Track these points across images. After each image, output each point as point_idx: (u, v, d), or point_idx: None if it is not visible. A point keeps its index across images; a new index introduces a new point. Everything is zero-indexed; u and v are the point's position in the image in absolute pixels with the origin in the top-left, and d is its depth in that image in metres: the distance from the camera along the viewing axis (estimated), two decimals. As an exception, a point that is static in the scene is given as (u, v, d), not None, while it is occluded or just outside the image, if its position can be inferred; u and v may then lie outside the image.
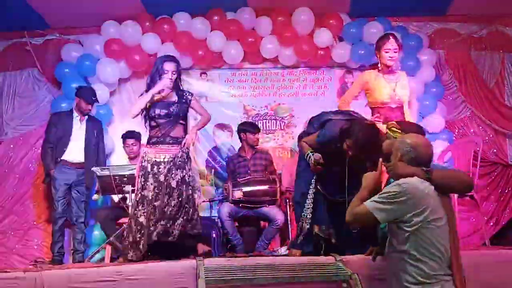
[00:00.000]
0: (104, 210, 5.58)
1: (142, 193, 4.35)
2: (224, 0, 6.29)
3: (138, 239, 4.27)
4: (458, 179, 2.87)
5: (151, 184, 4.35)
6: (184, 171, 4.46)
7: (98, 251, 5.28)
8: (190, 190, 4.48)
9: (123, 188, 4.98)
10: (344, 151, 3.85)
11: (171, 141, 4.47)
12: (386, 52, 4.58)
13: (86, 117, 5.52)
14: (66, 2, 5.89)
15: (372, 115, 4.63)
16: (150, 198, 4.33)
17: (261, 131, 6.07)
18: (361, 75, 4.86)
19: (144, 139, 5.41)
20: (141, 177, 4.39)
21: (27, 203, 6.12)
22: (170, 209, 4.32)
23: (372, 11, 6.45)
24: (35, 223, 6.10)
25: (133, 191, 4.88)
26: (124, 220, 5.08)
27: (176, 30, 6.31)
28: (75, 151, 5.40)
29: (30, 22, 6.27)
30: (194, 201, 4.55)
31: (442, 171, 2.92)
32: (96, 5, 6.00)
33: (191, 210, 4.44)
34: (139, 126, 5.04)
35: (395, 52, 4.58)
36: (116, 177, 4.98)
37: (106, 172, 5.03)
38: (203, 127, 4.87)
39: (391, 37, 4.60)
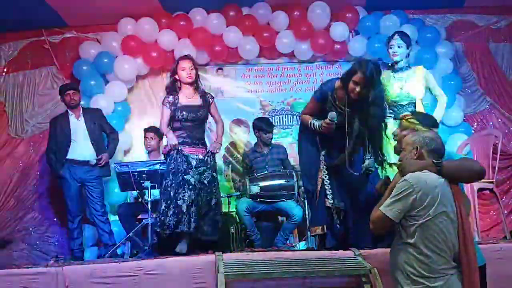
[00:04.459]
0: (124, 206, 5.63)
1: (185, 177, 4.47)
2: (240, -5, 6.31)
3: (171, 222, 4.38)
4: (468, 169, 2.82)
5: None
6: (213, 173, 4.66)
7: (118, 247, 5.32)
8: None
9: (142, 184, 5.01)
10: (343, 103, 3.94)
11: (197, 142, 4.64)
12: (390, 48, 4.77)
13: (81, 111, 5.55)
14: (84, 0, 5.93)
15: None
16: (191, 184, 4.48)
17: (274, 128, 6.01)
18: None
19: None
20: (173, 169, 4.50)
21: (47, 200, 6.19)
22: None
23: (388, 3, 6.42)
24: (55, 219, 6.17)
25: (152, 187, 4.92)
26: (144, 216, 5.14)
27: (192, 26, 6.32)
28: (78, 149, 5.44)
29: (48, 21, 6.33)
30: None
31: (452, 161, 2.90)
32: (113, 3, 6.05)
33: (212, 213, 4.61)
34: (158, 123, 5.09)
35: (399, 47, 4.71)
36: (135, 173, 5.02)
37: (125, 169, 5.06)
38: (223, 133, 5.00)
39: (396, 34, 4.79)
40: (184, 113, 4.57)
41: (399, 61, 4.74)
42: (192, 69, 4.64)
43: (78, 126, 5.48)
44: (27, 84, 6.42)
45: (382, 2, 6.39)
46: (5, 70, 6.46)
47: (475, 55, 6.53)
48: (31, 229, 6.10)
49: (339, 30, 6.30)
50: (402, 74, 4.73)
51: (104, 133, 5.65)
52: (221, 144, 4.87)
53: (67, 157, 5.40)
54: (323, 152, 4.24)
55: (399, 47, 4.70)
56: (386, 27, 6.26)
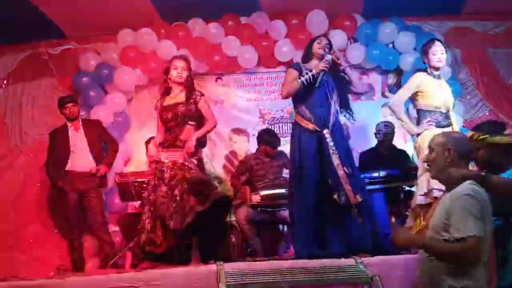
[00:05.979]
0: (125, 216, 5.62)
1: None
2: (238, 5, 6.31)
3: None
4: None
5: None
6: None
7: (119, 257, 5.30)
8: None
9: (143, 194, 4.99)
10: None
11: (180, 144, 4.32)
12: (433, 55, 4.63)
13: (81, 123, 5.56)
14: (82, 11, 5.95)
15: (420, 119, 4.63)
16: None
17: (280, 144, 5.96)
18: (414, 77, 4.76)
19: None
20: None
21: (48, 211, 6.16)
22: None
23: (386, 11, 6.43)
24: (56, 231, 6.16)
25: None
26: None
27: (191, 36, 6.35)
28: (78, 160, 5.44)
29: (47, 33, 6.36)
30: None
31: (500, 178, 2.74)
32: (112, 14, 6.08)
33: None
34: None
35: (442, 54, 4.63)
36: (136, 184, 5.01)
37: (125, 179, 5.06)
38: (206, 133, 4.58)
39: (436, 41, 4.73)
40: (164, 113, 4.37)
41: (439, 67, 4.66)
42: (184, 69, 4.42)
43: (77, 138, 5.49)
44: (27, 96, 6.44)
45: (380, 10, 6.40)
46: (4, 82, 6.48)
47: (473, 61, 6.54)
48: (31, 240, 6.08)
49: (337, 38, 6.30)
50: (438, 81, 4.66)
51: (104, 144, 5.65)
52: (195, 143, 4.27)
53: (67, 169, 5.41)
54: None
55: (442, 53, 4.62)
56: (384, 34, 6.29)
